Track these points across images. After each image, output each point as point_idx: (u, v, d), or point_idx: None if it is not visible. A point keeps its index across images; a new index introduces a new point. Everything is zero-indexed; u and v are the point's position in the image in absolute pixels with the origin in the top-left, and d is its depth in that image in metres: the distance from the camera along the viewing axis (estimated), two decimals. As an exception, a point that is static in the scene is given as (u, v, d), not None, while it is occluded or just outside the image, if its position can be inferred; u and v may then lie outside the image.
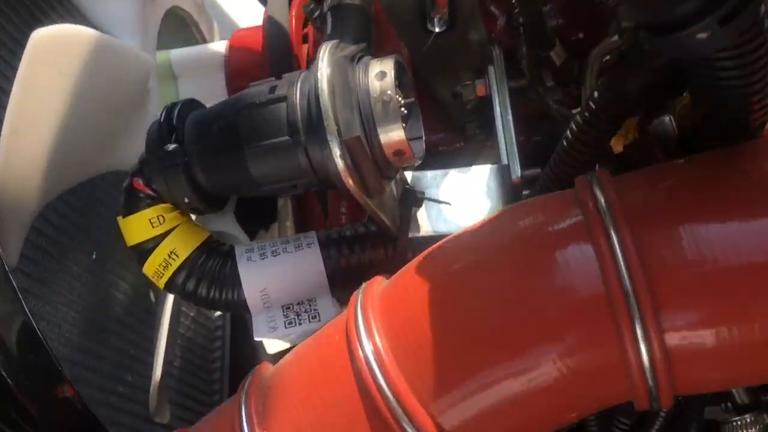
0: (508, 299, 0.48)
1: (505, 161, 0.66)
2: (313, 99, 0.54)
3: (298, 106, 0.55)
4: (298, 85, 0.56)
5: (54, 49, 0.68)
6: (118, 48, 0.78)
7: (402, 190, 0.63)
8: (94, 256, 0.97)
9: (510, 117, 0.67)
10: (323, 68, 0.54)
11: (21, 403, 0.66)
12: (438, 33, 0.68)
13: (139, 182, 0.60)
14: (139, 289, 1.07)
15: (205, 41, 1.12)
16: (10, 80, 0.77)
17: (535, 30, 0.66)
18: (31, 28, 0.80)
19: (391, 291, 0.53)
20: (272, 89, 0.57)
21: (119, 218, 0.62)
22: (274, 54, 0.93)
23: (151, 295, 1.13)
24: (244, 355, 1.33)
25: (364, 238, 0.64)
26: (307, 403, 0.51)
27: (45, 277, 0.84)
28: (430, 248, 0.53)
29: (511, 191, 0.65)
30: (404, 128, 0.54)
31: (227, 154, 0.57)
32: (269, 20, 0.95)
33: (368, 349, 0.50)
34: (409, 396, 0.47)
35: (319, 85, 0.53)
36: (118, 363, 0.98)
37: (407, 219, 0.63)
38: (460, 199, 0.64)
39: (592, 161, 0.56)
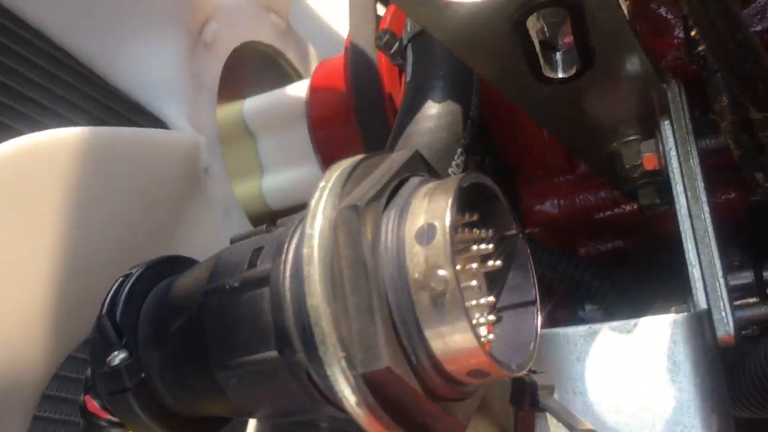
0: None
1: (702, 303, 0.37)
2: (303, 294, 0.29)
3: (288, 295, 0.30)
4: (291, 250, 0.31)
5: (28, 165, 0.49)
6: (132, 138, 0.58)
7: (512, 383, 0.36)
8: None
9: (708, 217, 0.38)
10: (315, 237, 0.29)
11: None
12: (563, 80, 0.39)
13: (93, 404, 0.39)
14: None
15: (298, 75, 0.90)
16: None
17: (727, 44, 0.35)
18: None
19: None
20: (254, 255, 0.33)
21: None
22: (360, 96, 0.69)
23: None
24: None
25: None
26: None
27: None
28: None
29: (717, 360, 0.36)
30: (486, 322, 0.28)
31: (196, 374, 0.34)
32: (353, 49, 0.70)
33: None
34: None
35: (307, 276, 0.28)
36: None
37: (528, 426, 0.36)
38: (620, 384, 0.36)
39: None
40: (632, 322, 0.37)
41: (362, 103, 0.69)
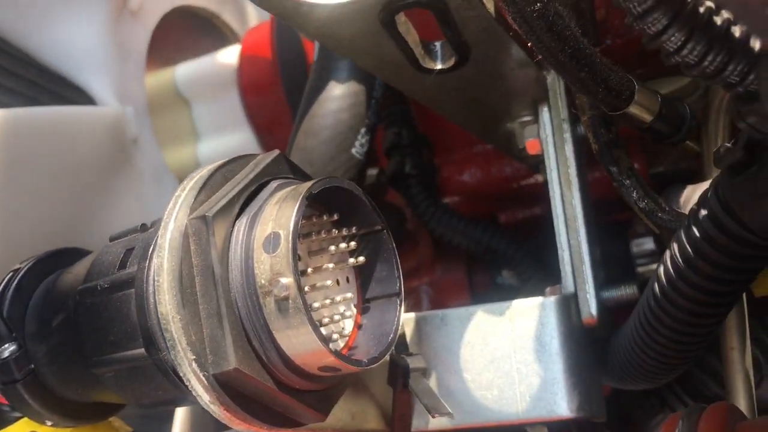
0: None
1: (570, 287, 0.38)
2: (153, 298, 0.30)
3: (151, 299, 0.32)
4: (154, 258, 0.33)
5: None
6: (42, 119, 0.58)
7: (390, 362, 0.38)
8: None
9: (578, 204, 0.39)
10: (166, 247, 0.30)
11: None
12: (444, 70, 0.40)
13: (-7, 391, 0.40)
14: None
15: (234, 35, 0.89)
16: None
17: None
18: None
19: None
20: (126, 255, 0.34)
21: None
22: (285, 66, 0.70)
23: None
24: None
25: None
26: None
27: None
28: None
29: (583, 340, 0.38)
30: (321, 331, 0.30)
31: (76, 368, 0.36)
32: (278, 21, 0.70)
33: None
34: None
35: (158, 286, 0.29)
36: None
37: (404, 408, 0.38)
38: (492, 362, 0.38)
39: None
40: (505, 304, 0.39)
41: (288, 72, 0.70)
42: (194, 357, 0.29)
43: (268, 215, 0.31)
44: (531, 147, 0.43)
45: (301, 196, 0.30)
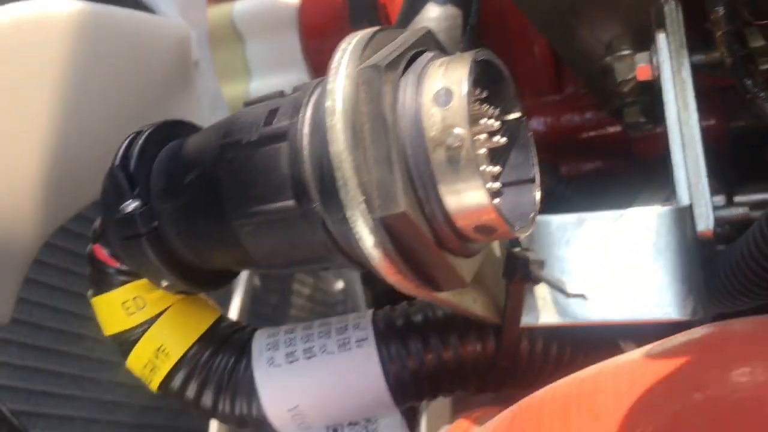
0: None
1: (685, 200, 0.39)
2: (325, 144, 0.30)
3: (306, 149, 0.32)
4: (309, 110, 0.33)
5: (28, 30, 0.48)
6: (126, 19, 0.58)
7: (506, 257, 0.38)
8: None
9: (695, 124, 0.40)
10: (338, 92, 0.30)
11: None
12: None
13: (101, 252, 0.40)
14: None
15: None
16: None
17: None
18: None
19: None
20: (270, 115, 0.34)
21: (89, 294, 0.42)
22: (355, 4, 0.69)
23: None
24: None
25: (445, 326, 0.41)
26: None
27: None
28: (562, 383, 0.30)
29: (695, 251, 0.39)
30: (490, 189, 0.30)
31: (209, 224, 0.35)
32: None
33: None
34: None
35: (330, 125, 0.30)
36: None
37: (516, 302, 0.39)
38: (606, 266, 0.39)
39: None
40: (619, 212, 0.40)
41: (357, 11, 0.70)
42: (364, 197, 0.29)
43: (435, 74, 0.31)
44: (642, 73, 0.44)
45: (471, 59, 0.31)
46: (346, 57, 0.31)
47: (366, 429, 0.41)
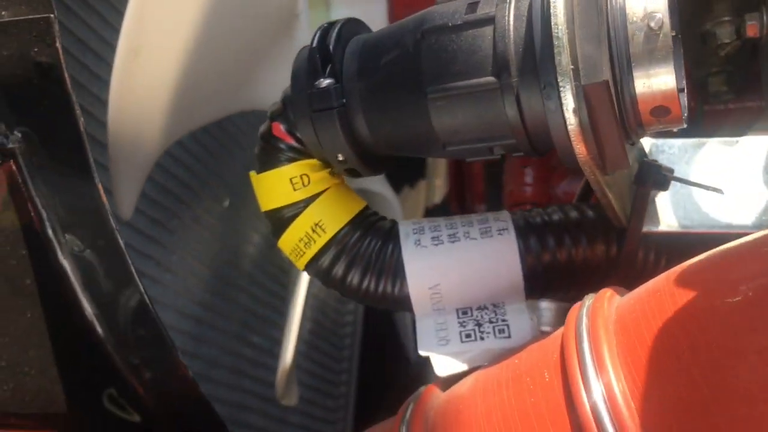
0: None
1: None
2: (538, 22, 0.36)
3: (511, 32, 0.37)
4: (512, 2, 0.38)
5: None
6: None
7: (639, 165, 0.44)
8: (226, 204, 0.85)
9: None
10: (557, -21, 0.35)
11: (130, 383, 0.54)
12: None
13: (279, 128, 0.45)
14: (270, 242, 0.95)
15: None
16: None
17: None
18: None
19: (637, 313, 0.35)
20: (472, 6, 0.39)
21: (252, 174, 0.47)
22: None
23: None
24: (377, 323, 1.21)
25: (577, 227, 0.46)
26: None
27: (172, 224, 0.73)
28: (703, 259, 0.35)
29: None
30: (676, 72, 0.35)
31: (402, 98, 0.40)
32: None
33: (598, 394, 0.33)
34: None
35: (552, 3, 0.35)
36: (245, 323, 0.88)
37: (643, 206, 0.44)
38: (722, 183, 0.45)
39: None
40: (735, 139, 0.46)
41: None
42: (572, 67, 0.35)
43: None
44: (750, 29, 0.51)
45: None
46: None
47: (495, 312, 0.45)
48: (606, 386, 0.34)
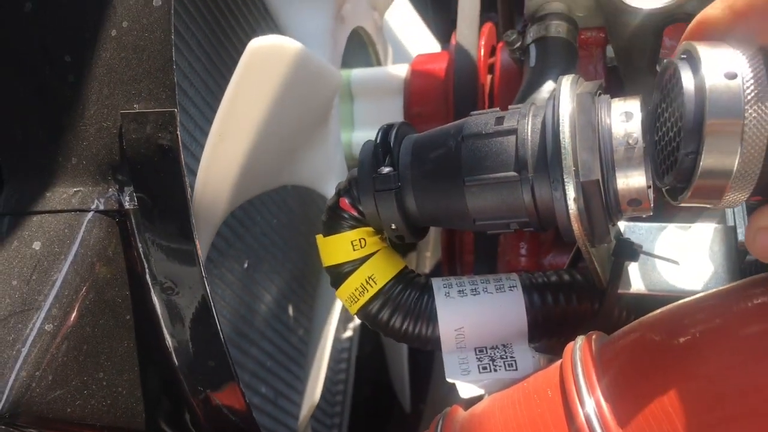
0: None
1: (730, 222, 0.60)
2: (549, 134, 0.50)
3: (529, 141, 0.52)
4: (530, 118, 0.53)
5: (267, 58, 0.67)
6: (317, 62, 0.78)
7: (617, 241, 0.58)
8: (246, 265, 0.97)
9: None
10: (565, 104, 0.50)
11: (195, 410, 0.65)
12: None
13: (345, 202, 0.58)
14: (280, 303, 1.08)
15: (379, 63, 1.12)
16: (209, 88, 0.78)
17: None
18: (233, 35, 0.81)
19: (617, 348, 0.49)
20: (499, 120, 0.54)
21: (318, 237, 0.60)
22: (459, 82, 0.91)
23: (290, 309, 1.13)
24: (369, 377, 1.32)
25: (569, 288, 0.60)
26: (514, 462, 0.48)
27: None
28: (665, 310, 0.49)
29: (736, 256, 0.59)
30: (646, 175, 0.50)
31: (444, 185, 0.54)
32: (458, 47, 0.92)
33: (590, 408, 0.46)
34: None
35: (561, 121, 0.49)
36: (255, 373, 0.99)
37: (619, 272, 0.58)
38: (677, 257, 0.59)
39: None
40: (688, 225, 0.60)
41: (460, 87, 0.91)
42: (574, 168, 0.49)
43: (617, 104, 0.51)
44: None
45: (640, 99, 0.51)
46: (567, 85, 0.51)
47: (505, 351, 0.58)
48: (596, 402, 0.47)
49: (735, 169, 0.42)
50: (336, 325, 1.04)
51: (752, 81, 0.41)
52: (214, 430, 0.68)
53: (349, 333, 1.34)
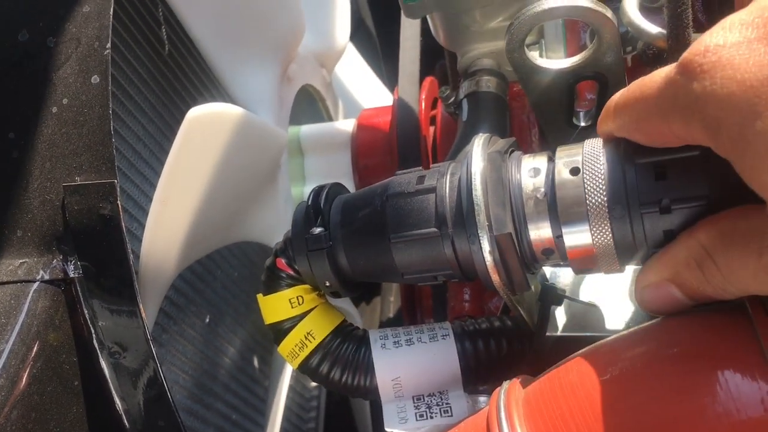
0: (671, 419, 0.45)
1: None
2: (464, 192, 0.53)
3: (447, 198, 0.55)
4: (448, 177, 0.56)
5: (207, 126, 0.71)
6: (260, 125, 0.81)
7: (541, 287, 0.61)
8: (207, 320, 0.99)
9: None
10: (476, 162, 0.54)
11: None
12: (583, 127, 0.67)
13: (281, 262, 0.61)
14: (244, 355, 1.09)
15: (330, 117, 1.15)
16: (155, 155, 0.81)
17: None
18: (179, 101, 0.84)
19: (538, 393, 0.51)
20: (420, 179, 0.57)
21: (259, 296, 0.63)
22: (402, 135, 0.95)
23: (255, 361, 1.14)
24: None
25: (499, 333, 0.62)
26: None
27: (163, 339, 0.87)
28: (583, 352, 0.52)
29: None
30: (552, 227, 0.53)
31: (372, 242, 0.57)
32: (399, 102, 0.96)
33: (512, 453, 0.48)
34: None
35: (473, 180, 0.53)
36: (221, 428, 1.00)
37: (546, 317, 0.61)
38: (601, 300, 0.62)
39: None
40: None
41: (404, 139, 0.95)
42: (488, 223, 0.52)
43: (527, 160, 0.55)
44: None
45: (547, 155, 0.55)
46: (479, 145, 0.55)
47: (440, 398, 0.61)
48: (517, 443, 0.50)
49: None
50: (293, 373, 1.05)
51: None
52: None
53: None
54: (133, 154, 0.75)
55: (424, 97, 0.96)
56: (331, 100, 1.15)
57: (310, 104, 1.13)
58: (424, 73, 1.01)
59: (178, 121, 0.84)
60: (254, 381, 1.11)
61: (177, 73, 0.86)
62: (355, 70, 1.27)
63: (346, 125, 1.02)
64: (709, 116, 0.38)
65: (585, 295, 0.63)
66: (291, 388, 1.18)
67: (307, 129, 1.03)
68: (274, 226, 0.92)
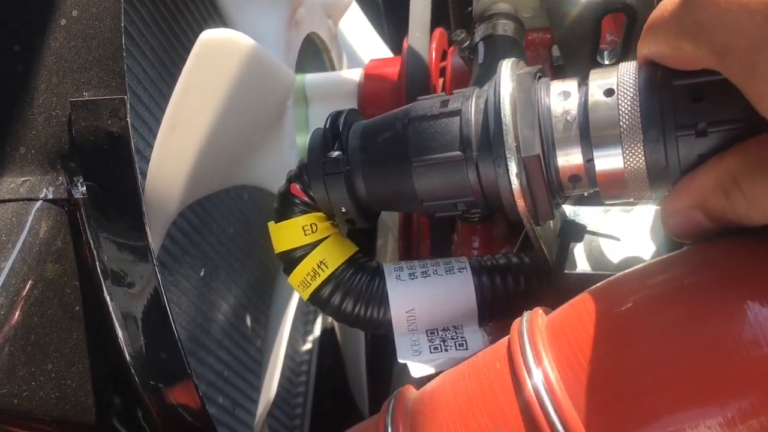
0: (697, 344, 0.44)
1: (670, 203, 0.62)
2: (492, 113, 0.52)
3: (473, 121, 0.53)
4: (473, 100, 0.54)
5: (218, 51, 0.68)
6: (271, 60, 0.79)
7: (562, 222, 0.60)
8: (202, 273, 0.97)
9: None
10: (506, 82, 0.52)
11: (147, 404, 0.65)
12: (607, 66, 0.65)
13: (296, 188, 0.59)
14: (238, 313, 1.07)
15: (334, 69, 1.13)
16: (163, 78, 0.79)
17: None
18: (185, 36, 0.82)
19: (562, 319, 0.50)
20: (444, 103, 0.55)
21: (270, 223, 0.61)
22: (412, 84, 0.93)
23: (248, 320, 1.12)
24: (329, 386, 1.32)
25: (517, 269, 0.61)
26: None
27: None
28: (608, 280, 0.50)
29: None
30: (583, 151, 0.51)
31: (392, 166, 0.55)
32: (410, 51, 0.94)
33: (538, 378, 0.47)
34: (581, 432, 0.44)
35: (502, 99, 0.51)
36: (212, 383, 0.98)
37: (565, 253, 0.60)
38: (620, 235, 0.61)
39: None
40: (630, 207, 0.62)
41: (413, 89, 0.93)
42: (516, 144, 0.50)
43: (556, 83, 0.53)
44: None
45: (578, 79, 0.53)
46: (508, 66, 0.53)
47: (455, 332, 0.59)
48: (543, 372, 0.48)
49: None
50: (290, 333, 1.04)
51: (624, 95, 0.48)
52: (166, 426, 0.68)
53: (308, 346, 1.34)
54: (143, 73, 0.72)
55: (434, 47, 0.94)
56: (335, 52, 1.13)
57: (315, 55, 1.10)
58: (433, 25, 0.99)
59: (182, 55, 0.82)
60: (247, 340, 1.09)
61: (184, 12, 0.84)
62: (359, 27, 1.25)
63: (352, 74, 1.00)
64: (717, 42, 0.38)
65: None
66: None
67: (312, 77, 1.00)
68: (277, 171, 0.89)
